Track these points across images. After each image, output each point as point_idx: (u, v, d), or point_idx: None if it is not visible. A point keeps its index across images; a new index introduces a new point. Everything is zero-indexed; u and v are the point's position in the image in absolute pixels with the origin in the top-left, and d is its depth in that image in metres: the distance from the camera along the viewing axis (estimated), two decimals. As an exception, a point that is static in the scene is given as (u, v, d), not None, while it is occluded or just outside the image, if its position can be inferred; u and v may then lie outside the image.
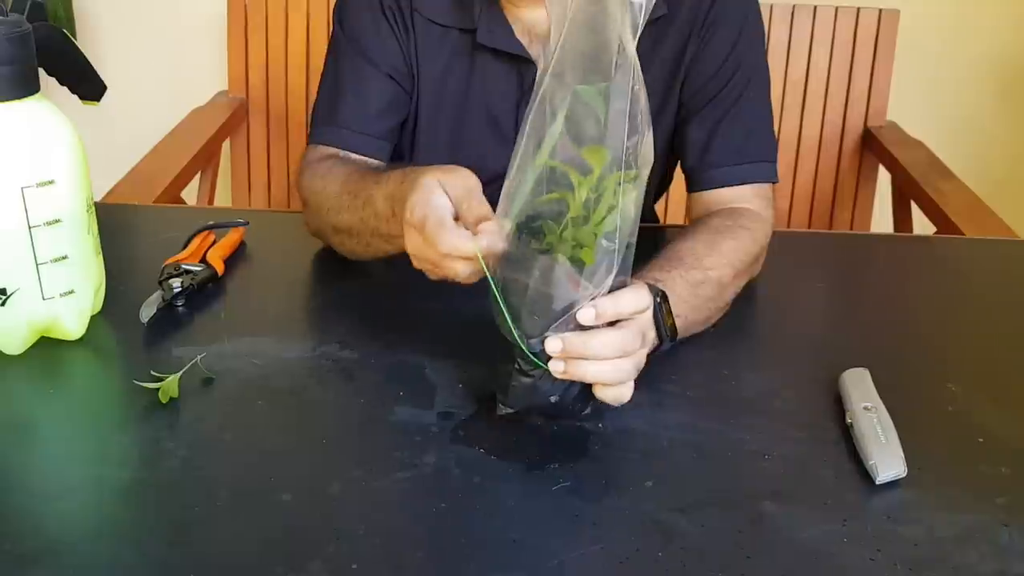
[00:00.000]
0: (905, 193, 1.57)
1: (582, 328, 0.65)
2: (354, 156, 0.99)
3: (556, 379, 0.67)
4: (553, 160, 0.64)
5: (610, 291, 0.65)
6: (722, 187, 0.98)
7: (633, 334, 0.67)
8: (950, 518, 0.63)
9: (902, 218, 1.60)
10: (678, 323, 0.77)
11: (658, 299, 0.76)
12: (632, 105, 0.62)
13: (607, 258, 0.63)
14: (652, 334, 0.70)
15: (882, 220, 1.75)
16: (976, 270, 1.04)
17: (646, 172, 0.64)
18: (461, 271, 0.68)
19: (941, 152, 1.61)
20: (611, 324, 0.66)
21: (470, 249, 0.66)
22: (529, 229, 0.65)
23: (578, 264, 0.63)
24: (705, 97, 0.99)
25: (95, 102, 0.90)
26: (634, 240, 0.65)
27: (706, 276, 0.83)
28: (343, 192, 0.89)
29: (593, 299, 0.64)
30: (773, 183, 1.00)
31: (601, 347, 0.65)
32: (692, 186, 1.01)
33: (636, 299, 0.67)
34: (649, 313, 0.69)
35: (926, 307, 0.94)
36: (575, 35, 0.62)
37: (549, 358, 0.66)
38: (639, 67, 0.62)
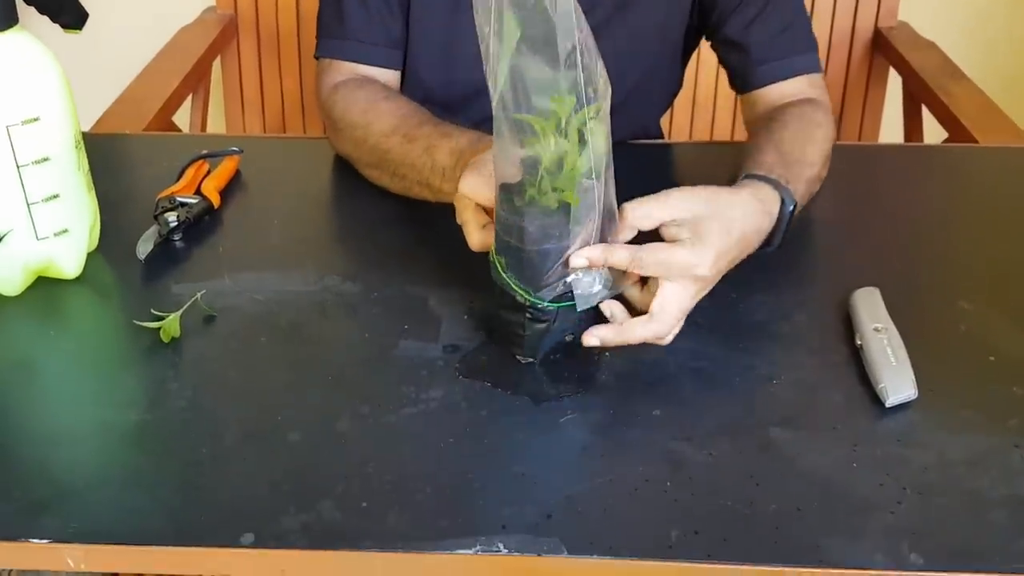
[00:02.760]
0: (916, 97, 1.53)
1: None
2: (376, 73, 1.00)
3: (569, 318, 0.67)
4: (515, 111, 0.61)
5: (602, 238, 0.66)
6: (774, 82, 0.97)
7: (667, 324, 0.69)
8: (961, 441, 0.63)
9: (913, 124, 1.56)
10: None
11: (791, 208, 0.77)
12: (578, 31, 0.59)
13: (588, 196, 0.63)
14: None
15: (892, 126, 1.71)
16: (988, 180, 1.02)
17: (607, 105, 0.62)
18: (472, 240, 0.71)
19: (953, 53, 1.56)
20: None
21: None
22: (510, 188, 0.64)
23: (564, 209, 0.63)
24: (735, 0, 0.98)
25: (77, 30, 0.87)
26: (612, 174, 0.65)
27: (813, 173, 0.84)
28: (395, 134, 0.89)
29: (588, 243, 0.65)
30: (820, 72, 0.99)
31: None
32: (744, 87, 1.00)
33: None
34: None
35: (938, 221, 0.92)
36: None
37: (562, 303, 0.67)
38: None
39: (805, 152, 0.84)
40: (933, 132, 1.51)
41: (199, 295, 0.76)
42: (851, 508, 0.58)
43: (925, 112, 1.51)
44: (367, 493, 0.59)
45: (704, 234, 0.68)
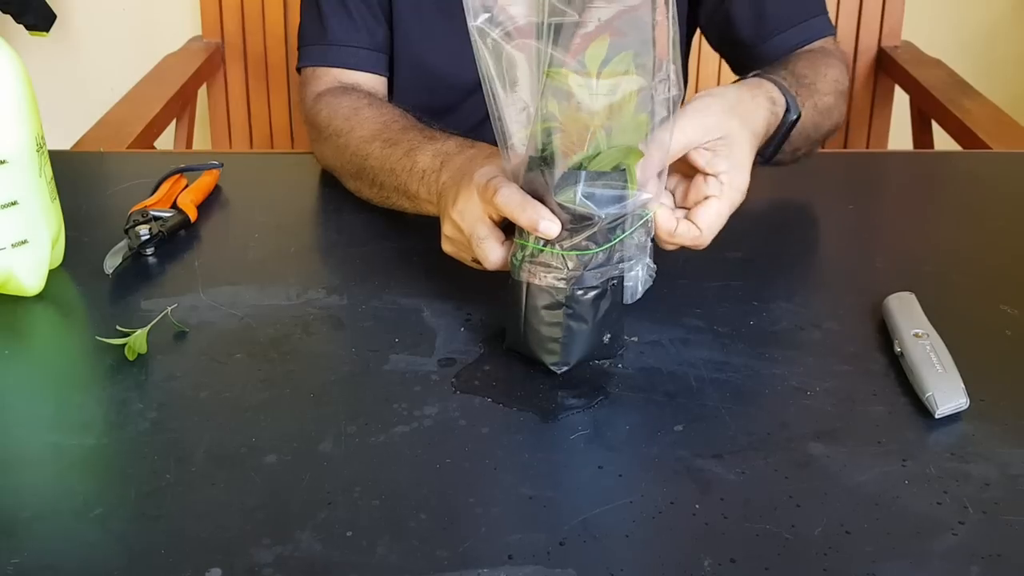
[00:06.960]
0: (925, 113, 1.48)
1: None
2: (361, 79, 0.94)
3: (608, 315, 0.62)
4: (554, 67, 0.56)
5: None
6: (788, 53, 0.90)
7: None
8: (1023, 452, 0.56)
9: (923, 139, 1.51)
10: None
11: (795, 118, 0.74)
12: None
13: (659, 154, 0.59)
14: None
15: (897, 143, 1.67)
16: (1009, 184, 0.96)
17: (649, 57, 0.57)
18: (494, 257, 0.63)
19: (958, 70, 1.52)
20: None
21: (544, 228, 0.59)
22: (545, 158, 0.58)
23: (621, 171, 0.58)
24: None
25: (44, 32, 0.81)
26: None
27: (824, 102, 0.82)
28: (375, 139, 0.83)
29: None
30: (832, 35, 0.93)
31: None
32: (752, 61, 0.90)
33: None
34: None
35: (963, 226, 0.86)
36: None
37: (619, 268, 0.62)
38: None
39: (817, 79, 0.82)
40: (943, 147, 1.46)
41: (169, 310, 0.69)
42: (907, 530, 0.51)
43: (936, 129, 1.46)
44: (352, 521, 0.51)
45: (737, 163, 0.65)
